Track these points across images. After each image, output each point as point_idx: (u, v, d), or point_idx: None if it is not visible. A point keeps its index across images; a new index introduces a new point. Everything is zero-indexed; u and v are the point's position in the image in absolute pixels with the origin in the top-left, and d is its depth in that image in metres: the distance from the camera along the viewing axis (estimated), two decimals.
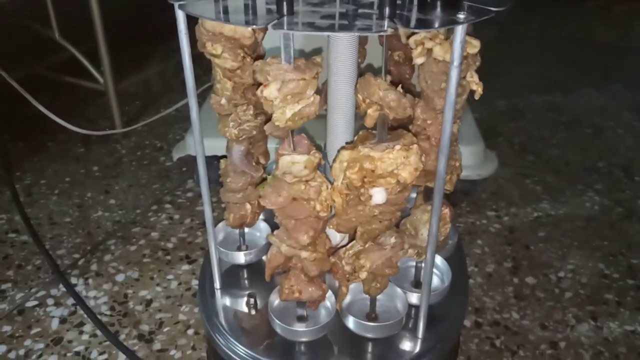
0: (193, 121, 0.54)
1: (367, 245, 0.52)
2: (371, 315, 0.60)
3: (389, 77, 0.56)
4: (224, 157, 0.63)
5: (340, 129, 0.57)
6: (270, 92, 0.46)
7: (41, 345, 0.76)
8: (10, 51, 1.40)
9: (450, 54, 0.44)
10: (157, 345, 0.76)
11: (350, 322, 0.59)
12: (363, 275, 0.53)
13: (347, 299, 0.62)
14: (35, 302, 0.83)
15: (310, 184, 0.50)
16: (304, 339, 0.60)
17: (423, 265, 0.60)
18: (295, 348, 0.60)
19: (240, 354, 0.59)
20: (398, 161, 0.46)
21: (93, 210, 1.03)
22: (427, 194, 0.59)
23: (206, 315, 0.64)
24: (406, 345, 0.60)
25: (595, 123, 1.34)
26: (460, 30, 0.42)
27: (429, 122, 0.51)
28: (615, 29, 1.99)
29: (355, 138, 0.51)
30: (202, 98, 0.80)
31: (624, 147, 1.25)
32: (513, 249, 0.94)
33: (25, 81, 1.13)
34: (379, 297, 0.61)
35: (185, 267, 0.89)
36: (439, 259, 0.67)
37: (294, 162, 0.49)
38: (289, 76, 0.46)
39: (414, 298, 0.62)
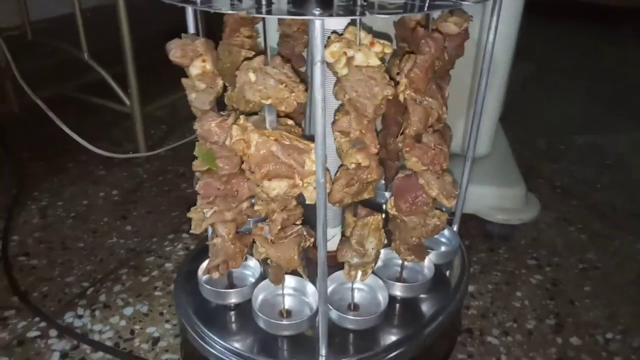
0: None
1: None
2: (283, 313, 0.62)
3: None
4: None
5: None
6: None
7: None
8: (38, 69, 1.40)
9: (371, 58, 0.48)
10: None
11: (261, 322, 0.60)
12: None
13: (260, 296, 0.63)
14: (37, 333, 0.78)
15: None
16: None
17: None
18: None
19: None
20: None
21: (108, 236, 0.99)
22: (355, 210, 0.58)
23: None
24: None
25: None
26: (317, 26, 0.43)
27: (363, 131, 0.52)
28: None
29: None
30: None
31: None
32: (556, 304, 0.85)
33: (51, 100, 1.12)
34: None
35: None
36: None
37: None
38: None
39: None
